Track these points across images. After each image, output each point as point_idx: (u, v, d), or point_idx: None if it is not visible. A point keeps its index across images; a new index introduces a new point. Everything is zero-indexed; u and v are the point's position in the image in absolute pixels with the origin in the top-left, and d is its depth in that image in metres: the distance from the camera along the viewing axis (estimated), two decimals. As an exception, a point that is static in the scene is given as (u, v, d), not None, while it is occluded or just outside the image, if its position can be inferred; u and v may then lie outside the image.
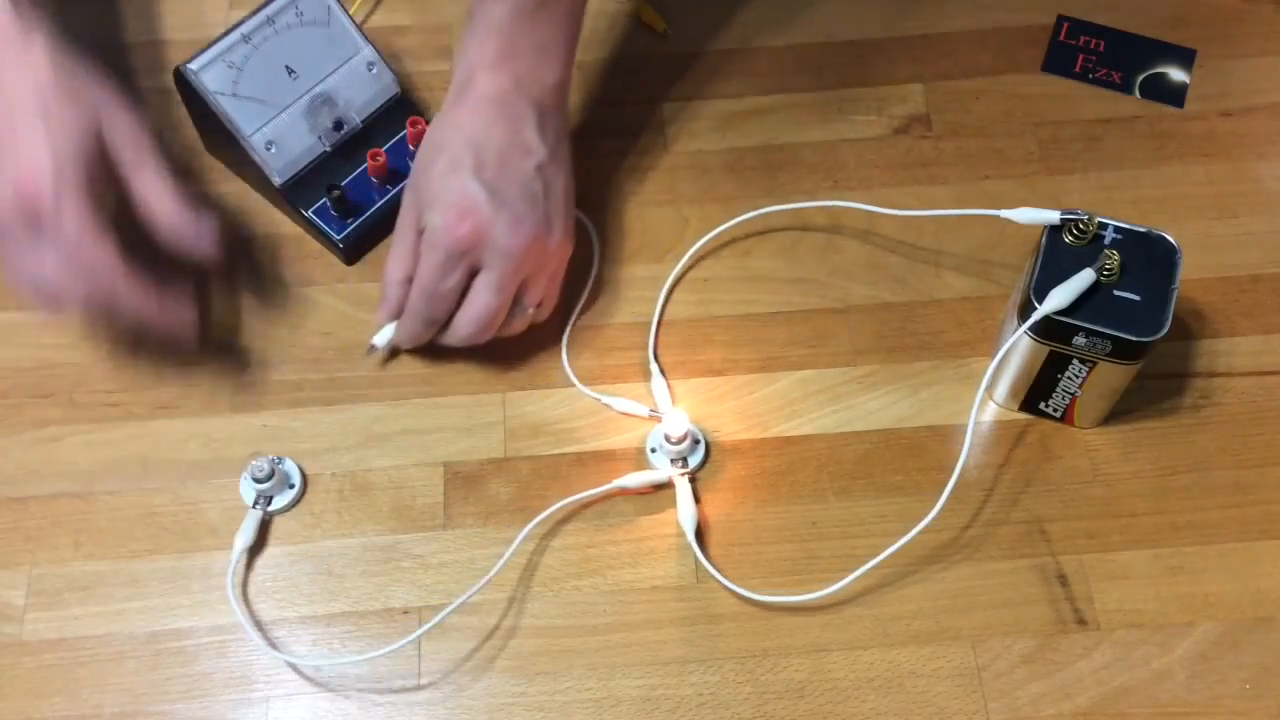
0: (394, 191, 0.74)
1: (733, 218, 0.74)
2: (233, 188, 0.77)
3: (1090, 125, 0.79)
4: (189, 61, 0.70)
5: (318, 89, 0.74)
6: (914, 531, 0.62)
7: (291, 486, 0.67)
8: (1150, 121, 0.79)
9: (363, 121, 0.76)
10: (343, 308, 0.73)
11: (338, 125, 0.75)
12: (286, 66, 0.73)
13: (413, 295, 0.68)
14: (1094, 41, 0.82)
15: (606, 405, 0.70)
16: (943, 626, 0.64)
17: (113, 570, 0.66)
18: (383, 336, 0.70)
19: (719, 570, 0.65)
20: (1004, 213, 0.66)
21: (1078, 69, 0.81)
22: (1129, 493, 0.67)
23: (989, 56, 0.82)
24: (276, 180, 0.73)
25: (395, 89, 0.77)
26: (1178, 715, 0.62)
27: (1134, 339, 0.61)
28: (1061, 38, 0.83)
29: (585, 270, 0.74)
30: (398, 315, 0.69)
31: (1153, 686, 0.62)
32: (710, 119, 0.80)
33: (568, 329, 0.72)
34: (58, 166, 0.61)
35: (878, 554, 0.62)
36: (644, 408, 0.70)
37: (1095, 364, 0.63)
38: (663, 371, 0.71)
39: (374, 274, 0.74)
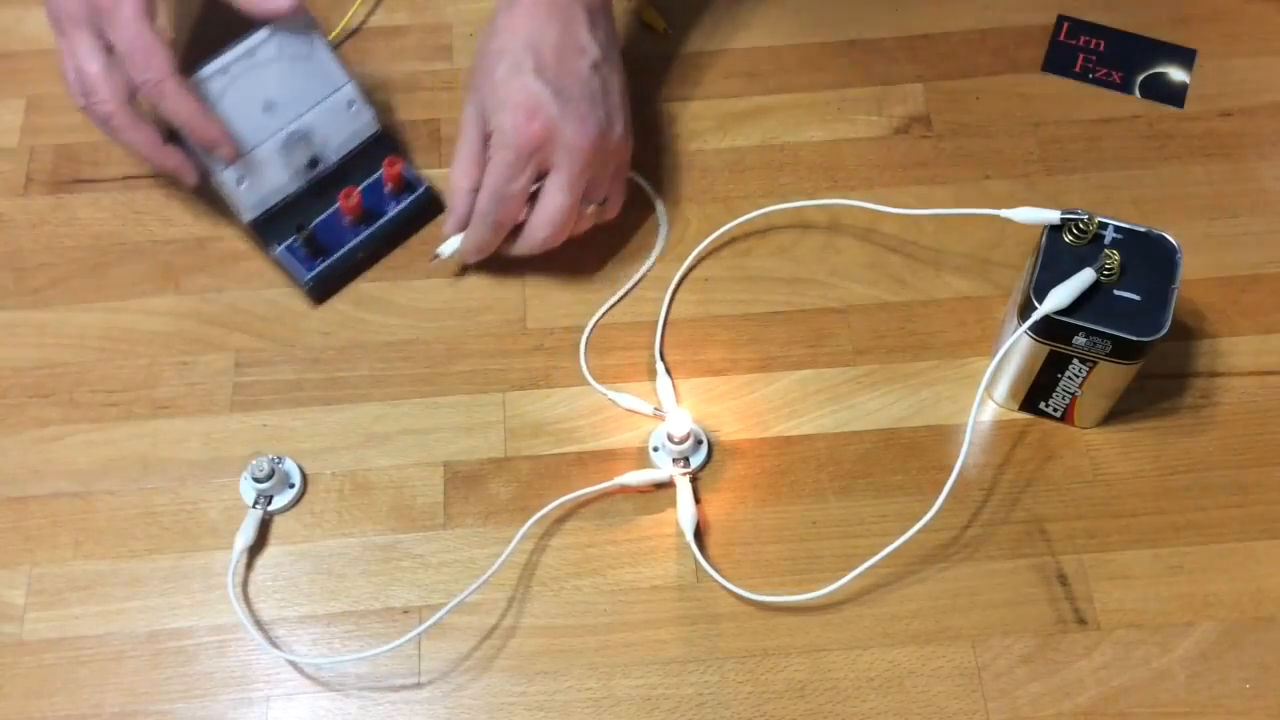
0: (367, 232, 0.73)
1: (733, 218, 0.75)
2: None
3: (1090, 125, 0.79)
4: None
5: (295, 125, 0.72)
6: (913, 531, 0.62)
7: (291, 486, 0.67)
8: (1150, 121, 0.79)
9: (339, 159, 0.74)
10: (343, 307, 0.73)
11: (313, 163, 0.73)
12: (265, 100, 0.70)
13: (481, 199, 0.69)
14: (1094, 41, 0.82)
15: (613, 401, 0.70)
16: (943, 626, 0.64)
17: (113, 570, 0.66)
18: (449, 246, 0.71)
19: (719, 570, 0.65)
20: (1004, 212, 0.66)
21: (1078, 69, 0.81)
22: (1129, 493, 0.67)
23: (989, 56, 0.82)
24: (245, 216, 0.72)
25: (375, 127, 0.75)
26: (1178, 715, 0.62)
27: (1134, 339, 0.61)
28: (1061, 38, 0.83)
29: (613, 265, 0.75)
30: (465, 225, 0.70)
31: (1153, 686, 0.62)
32: (710, 119, 0.80)
33: (589, 328, 0.72)
34: None
35: (878, 553, 0.62)
36: (648, 406, 0.70)
37: (1095, 364, 0.63)
38: (668, 370, 0.71)
39: (374, 274, 0.74)
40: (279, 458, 0.68)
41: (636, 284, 0.74)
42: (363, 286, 0.74)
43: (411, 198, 0.75)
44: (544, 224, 0.69)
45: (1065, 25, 0.83)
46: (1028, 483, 0.68)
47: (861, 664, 0.63)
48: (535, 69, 0.67)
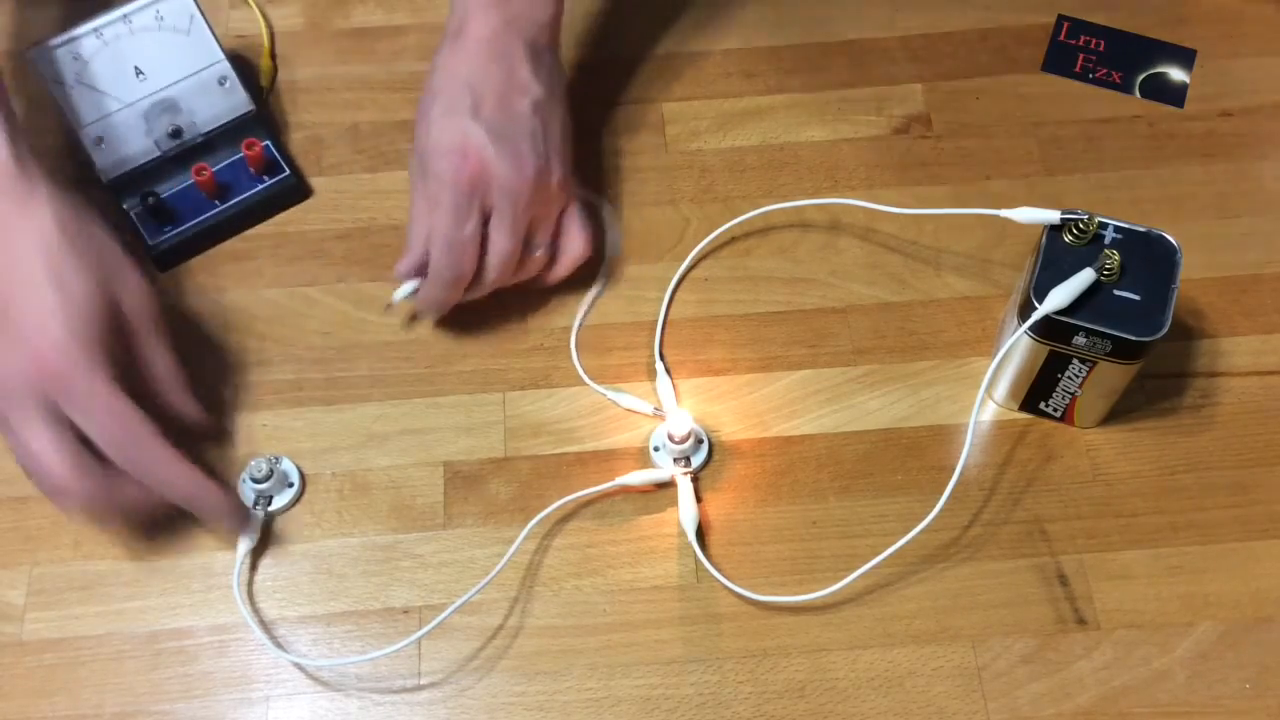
0: (222, 208, 0.75)
1: (733, 217, 0.75)
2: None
3: (1090, 125, 0.79)
4: (34, 45, 0.70)
5: (163, 94, 0.74)
6: (914, 531, 0.62)
7: (290, 485, 0.67)
8: (1150, 121, 0.79)
9: (205, 134, 0.75)
10: (343, 307, 0.73)
11: (176, 133, 0.74)
12: (135, 67, 0.73)
13: (434, 251, 0.67)
14: (1094, 41, 0.82)
15: (613, 401, 0.70)
16: (943, 626, 0.64)
17: (113, 570, 0.66)
18: (402, 291, 0.70)
19: (719, 570, 0.65)
20: (1004, 212, 0.66)
21: (1078, 69, 0.81)
22: (1129, 493, 0.67)
23: (989, 56, 0.82)
24: (103, 177, 0.73)
25: (248, 107, 0.76)
26: (1178, 715, 0.62)
27: (1134, 339, 0.61)
28: (1061, 38, 0.83)
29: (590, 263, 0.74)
30: (418, 270, 0.69)
31: (1153, 686, 0.62)
32: (710, 119, 0.80)
33: (575, 327, 0.72)
34: (82, 342, 0.58)
35: (878, 554, 0.62)
36: (649, 405, 0.70)
37: (1095, 364, 0.63)
38: (668, 370, 0.71)
39: (374, 274, 0.74)
40: (276, 458, 0.68)
41: (605, 286, 0.74)
42: (362, 286, 0.74)
43: (273, 180, 0.76)
44: (488, 268, 0.67)
45: (1065, 25, 0.83)
46: (1028, 483, 0.68)
47: (861, 664, 0.63)
48: (471, 109, 0.66)
